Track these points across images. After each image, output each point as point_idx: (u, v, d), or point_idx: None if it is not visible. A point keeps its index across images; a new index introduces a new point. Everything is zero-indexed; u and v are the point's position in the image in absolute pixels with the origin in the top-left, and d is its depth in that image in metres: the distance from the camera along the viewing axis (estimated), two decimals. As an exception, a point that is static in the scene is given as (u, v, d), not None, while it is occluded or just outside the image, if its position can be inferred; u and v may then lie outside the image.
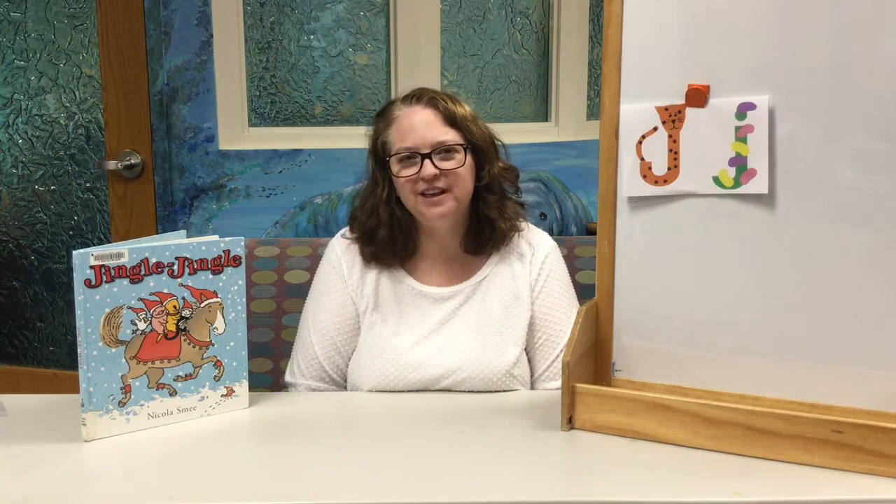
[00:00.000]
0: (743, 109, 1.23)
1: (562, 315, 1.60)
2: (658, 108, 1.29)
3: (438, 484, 1.14)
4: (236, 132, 2.57)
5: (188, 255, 1.35)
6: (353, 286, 1.60)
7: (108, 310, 1.29)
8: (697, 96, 1.26)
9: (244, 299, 1.41)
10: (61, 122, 2.70)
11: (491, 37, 2.75)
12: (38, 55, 2.67)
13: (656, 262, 1.33)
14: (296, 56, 2.62)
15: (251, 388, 1.43)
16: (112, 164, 2.56)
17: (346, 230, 1.65)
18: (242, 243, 1.40)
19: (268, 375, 1.85)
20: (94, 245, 1.36)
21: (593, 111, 2.85)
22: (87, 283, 1.27)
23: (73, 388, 1.31)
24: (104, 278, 1.28)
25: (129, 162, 2.55)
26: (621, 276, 1.36)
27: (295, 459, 1.22)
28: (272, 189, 2.55)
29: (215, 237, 1.39)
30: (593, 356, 1.39)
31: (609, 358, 1.39)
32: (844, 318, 1.21)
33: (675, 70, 1.28)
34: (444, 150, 1.51)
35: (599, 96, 1.38)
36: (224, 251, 1.38)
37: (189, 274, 1.35)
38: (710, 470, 1.16)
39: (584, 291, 1.72)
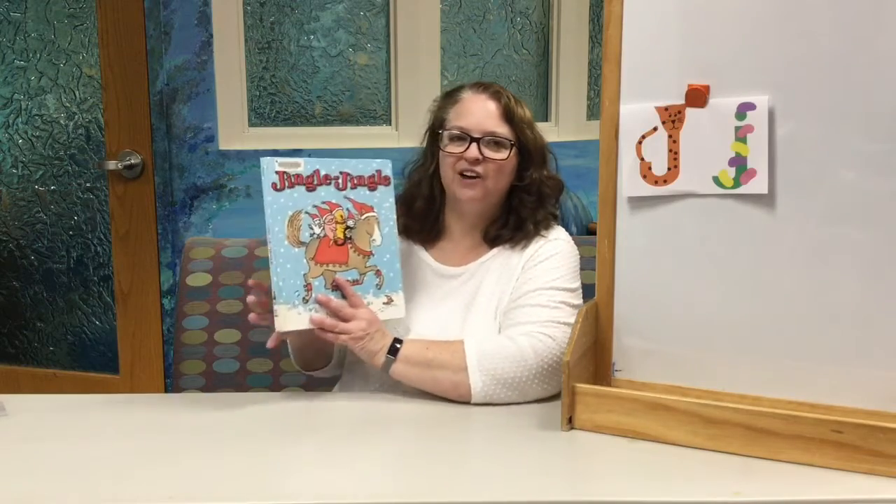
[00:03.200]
0: (743, 109, 1.23)
1: (535, 283, 1.54)
2: (658, 108, 1.29)
3: (438, 483, 1.14)
4: (236, 132, 2.57)
5: (350, 171, 1.48)
6: None
7: (290, 213, 1.41)
8: (697, 96, 1.26)
9: (394, 215, 1.53)
10: (61, 122, 2.69)
11: (491, 37, 2.75)
12: (38, 55, 2.67)
13: (656, 262, 1.33)
14: (296, 56, 2.62)
15: (251, 388, 1.44)
16: (112, 164, 2.55)
17: None
18: (389, 164, 1.52)
19: (268, 376, 1.85)
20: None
21: (593, 111, 2.85)
22: (274, 187, 1.40)
23: (73, 388, 1.32)
24: (287, 183, 1.41)
25: (129, 162, 2.55)
26: (621, 276, 1.36)
27: (296, 459, 1.22)
28: (272, 189, 2.55)
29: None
30: (593, 356, 1.39)
31: (609, 358, 1.39)
32: (844, 318, 1.21)
33: (675, 70, 1.28)
34: (494, 141, 1.55)
35: (599, 96, 1.38)
36: (376, 171, 1.51)
37: (351, 188, 1.48)
38: (710, 470, 1.16)
39: (584, 291, 1.72)
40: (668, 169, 1.30)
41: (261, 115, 2.63)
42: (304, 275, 1.42)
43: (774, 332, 1.25)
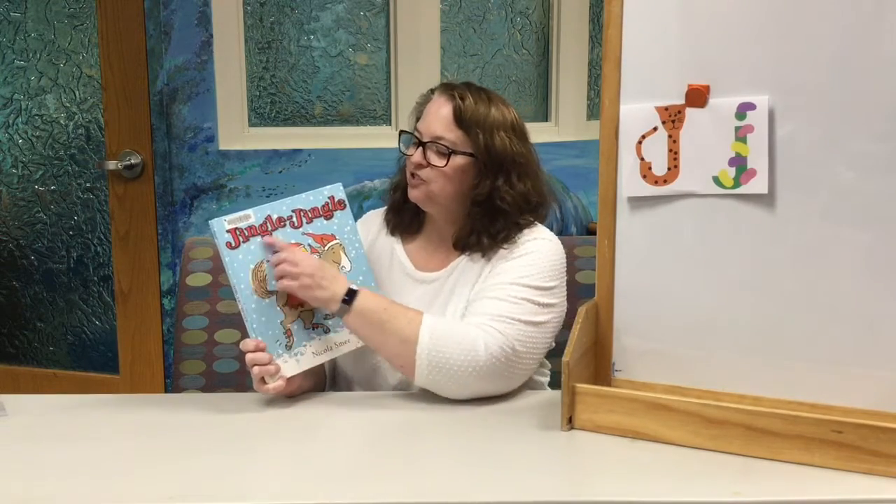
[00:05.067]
0: (743, 109, 1.23)
1: (500, 278, 1.50)
2: (658, 108, 1.29)
3: (438, 483, 1.14)
4: (236, 132, 2.57)
5: (302, 207, 1.49)
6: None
7: (251, 266, 1.42)
8: (697, 96, 1.26)
9: (359, 236, 1.55)
10: (61, 122, 2.69)
11: (491, 37, 2.75)
12: (38, 55, 2.67)
13: (656, 262, 1.33)
14: (296, 56, 2.62)
15: (251, 388, 1.44)
16: (112, 164, 2.55)
17: None
18: (341, 187, 1.54)
19: (268, 375, 1.85)
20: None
21: (593, 111, 2.84)
22: (229, 246, 1.41)
23: (72, 388, 1.32)
24: (241, 239, 1.42)
25: (129, 162, 2.55)
26: (621, 276, 1.36)
27: (296, 459, 1.22)
28: (272, 189, 2.55)
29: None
30: (593, 356, 1.39)
31: (609, 358, 1.39)
32: (844, 318, 1.21)
33: (675, 70, 1.28)
34: (436, 148, 1.53)
35: (599, 96, 1.38)
36: (329, 198, 1.52)
37: (307, 223, 1.49)
38: (710, 470, 1.16)
39: (584, 291, 1.72)
40: (668, 169, 1.30)
41: (261, 115, 2.63)
42: (281, 322, 1.43)
43: (774, 332, 1.25)
